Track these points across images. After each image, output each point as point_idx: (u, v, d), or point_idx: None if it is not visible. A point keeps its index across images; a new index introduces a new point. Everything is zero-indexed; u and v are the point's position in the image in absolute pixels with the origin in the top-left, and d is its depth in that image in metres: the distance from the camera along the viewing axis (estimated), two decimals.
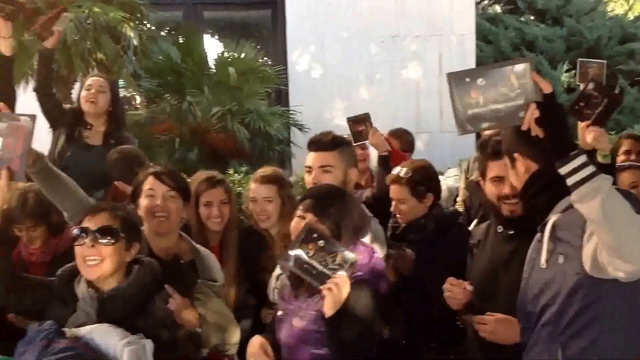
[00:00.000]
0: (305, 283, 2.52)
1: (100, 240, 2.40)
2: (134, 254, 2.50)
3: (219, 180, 3.50)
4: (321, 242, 2.39)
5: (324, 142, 3.03)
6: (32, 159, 2.58)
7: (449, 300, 2.74)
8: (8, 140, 2.42)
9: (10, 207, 3.12)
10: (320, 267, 2.38)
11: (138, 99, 8.44)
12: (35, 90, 4.37)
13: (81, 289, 2.45)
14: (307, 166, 3.07)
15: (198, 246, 3.09)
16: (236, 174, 5.70)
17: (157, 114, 6.97)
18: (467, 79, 2.09)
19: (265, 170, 3.59)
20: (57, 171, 2.84)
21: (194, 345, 2.70)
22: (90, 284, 2.45)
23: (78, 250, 2.43)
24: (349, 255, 2.40)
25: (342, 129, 4.27)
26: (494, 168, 2.65)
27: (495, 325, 2.53)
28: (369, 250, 2.62)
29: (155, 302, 2.52)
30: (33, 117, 2.47)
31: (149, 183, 2.95)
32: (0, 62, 4.17)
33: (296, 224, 2.56)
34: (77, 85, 6.13)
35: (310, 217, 2.54)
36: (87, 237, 2.41)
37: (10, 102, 4.36)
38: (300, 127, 7.52)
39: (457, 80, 2.11)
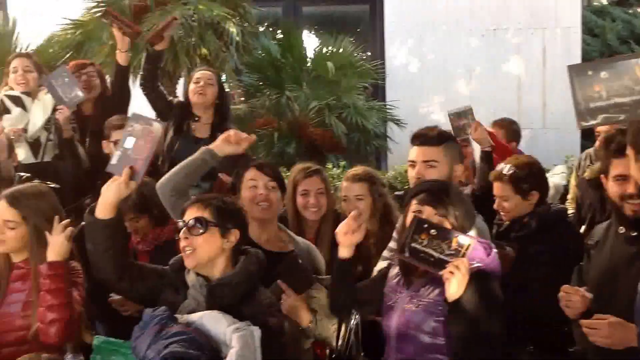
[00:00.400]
0: (418, 272, 2.52)
1: (191, 231, 2.49)
2: (234, 240, 2.54)
3: (316, 170, 3.53)
4: (433, 231, 2.39)
5: (429, 137, 2.97)
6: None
7: (566, 309, 2.63)
8: (139, 142, 2.54)
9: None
10: (437, 255, 2.37)
11: (238, 94, 8.64)
12: (141, 85, 4.53)
13: (191, 277, 2.54)
14: (411, 160, 3.02)
15: (297, 237, 3.16)
16: (334, 168, 5.75)
17: (256, 109, 7.10)
18: (590, 72, 2.03)
19: (356, 169, 3.64)
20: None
21: (301, 336, 2.75)
22: (199, 272, 2.53)
23: (179, 241, 2.53)
24: (464, 239, 2.38)
25: (440, 124, 4.18)
26: (618, 166, 2.54)
27: (609, 330, 2.40)
28: (486, 244, 2.56)
29: (261, 290, 2.57)
30: (163, 125, 2.61)
31: (251, 174, 3.07)
32: (118, 71, 4.60)
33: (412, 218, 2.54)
34: (181, 81, 6.34)
35: (428, 210, 2.51)
36: (183, 228, 2.52)
37: (126, 104, 4.67)
38: (398, 122, 7.48)
39: (579, 72, 2.04)
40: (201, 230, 2.48)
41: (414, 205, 2.57)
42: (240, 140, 3.02)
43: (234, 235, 2.54)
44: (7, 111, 4.37)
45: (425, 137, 2.99)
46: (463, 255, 2.34)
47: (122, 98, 4.68)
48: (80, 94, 4.23)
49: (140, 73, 4.59)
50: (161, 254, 3.35)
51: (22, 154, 4.34)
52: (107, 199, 2.52)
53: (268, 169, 3.10)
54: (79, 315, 2.77)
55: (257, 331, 2.32)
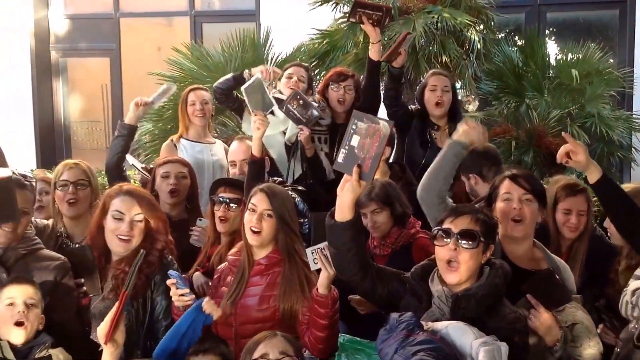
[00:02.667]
0: None
1: (461, 243, 2.46)
2: (489, 256, 2.53)
3: (582, 189, 3.43)
4: None
5: None
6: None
7: None
8: (365, 140, 2.51)
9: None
10: None
11: (472, 104, 8.57)
12: (385, 102, 4.63)
13: (435, 287, 2.53)
14: None
15: (553, 255, 3.01)
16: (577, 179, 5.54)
17: (493, 117, 7.00)
18: None
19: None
20: None
21: (547, 355, 2.64)
22: (444, 282, 2.52)
23: (439, 251, 2.51)
24: None
25: None
26: None
27: None
28: None
29: (506, 304, 2.52)
30: (390, 123, 2.55)
31: (505, 186, 2.93)
32: (370, 68, 4.60)
33: None
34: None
35: None
36: (450, 239, 2.48)
37: (377, 102, 4.67)
38: None
39: None
40: (471, 245, 2.46)
41: None
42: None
43: (490, 250, 2.53)
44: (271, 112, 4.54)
45: None
46: None
47: (373, 98, 4.65)
48: (315, 112, 4.21)
49: (383, 92, 4.66)
50: (397, 259, 3.45)
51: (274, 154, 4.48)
52: (344, 201, 2.52)
53: (523, 180, 2.93)
54: None
55: (504, 347, 2.28)
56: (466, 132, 3.05)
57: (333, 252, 2.66)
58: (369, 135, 2.50)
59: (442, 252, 2.50)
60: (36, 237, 3.16)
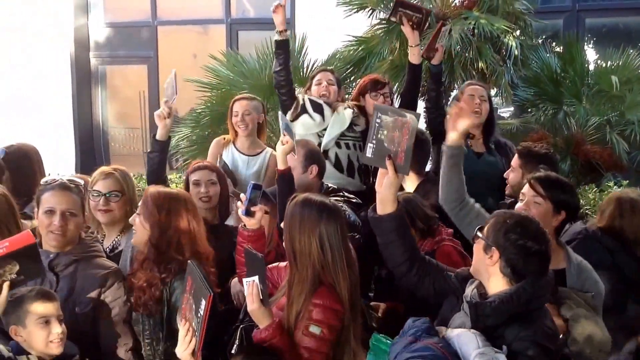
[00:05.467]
0: None
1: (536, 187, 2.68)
2: (561, 219, 2.68)
3: None
4: None
5: None
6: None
7: None
8: (394, 134, 2.52)
9: None
10: None
11: (507, 111, 8.49)
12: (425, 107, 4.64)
13: (469, 290, 2.54)
14: None
15: (576, 256, 3.05)
16: (615, 187, 5.46)
17: (530, 123, 6.93)
18: None
19: None
20: None
21: None
22: (480, 288, 2.52)
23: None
24: None
25: None
26: None
27: None
28: None
29: (538, 317, 2.46)
30: (417, 115, 2.56)
31: (525, 188, 3.08)
32: (410, 71, 4.62)
33: None
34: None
35: None
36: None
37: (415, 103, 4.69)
38: None
39: None
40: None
41: None
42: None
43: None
44: (305, 110, 4.59)
45: None
46: None
47: (410, 101, 4.68)
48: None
49: (425, 95, 4.68)
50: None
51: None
52: (385, 195, 2.58)
53: (539, 184, 3.08)
54: None
55: (502, 357, 2.25)
56: (452, 128, 3.05)
57: (380, 243, 2.68)
58: (397, 128, 2.52)
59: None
60: (96, 244, 3.18)
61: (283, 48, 4.72)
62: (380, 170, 2.57)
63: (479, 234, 2.52)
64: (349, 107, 4.64)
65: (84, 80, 10.67)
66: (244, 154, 4.74)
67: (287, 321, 2.72)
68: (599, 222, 3.62)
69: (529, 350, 2.33)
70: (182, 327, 2.45)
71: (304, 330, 2.68)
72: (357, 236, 3.59)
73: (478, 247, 2.52)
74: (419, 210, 3.60)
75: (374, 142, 2.54)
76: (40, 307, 2.75)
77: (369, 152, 2.56)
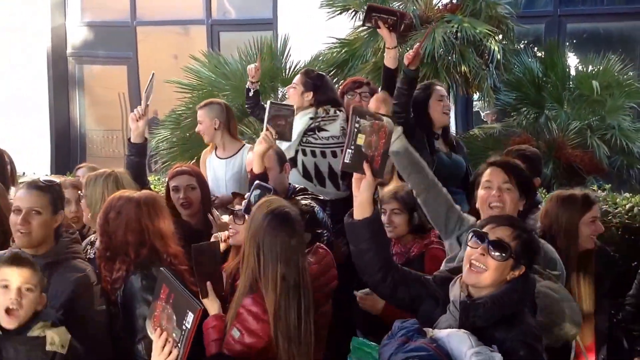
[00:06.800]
0: None
1: (490, 252, 2.41)
2: (517, 275, 2.46)
3: None
4: None
5: None
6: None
7: None
8: (372, 138, 2.50)
9: None
10: None
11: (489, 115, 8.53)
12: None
13: (454, 292, 2.49)
14: None
15: (542, 242, 3.00)
16: (599, 191, 5.48)
17: (512, 127, 6.95)
18: None
19: None
20: None
21: None
22: (464, 288, 2.48)
23: (469, 251, 2.47)
24: None
25: None
26: None
27: None
28: None
29: (524, 318, 2.44)
30: (394, 118, 2.59)
31: (487, 174, 3.02)
32: (386, 76, 4.54)
33: None
34: None
35: None
36: (482, 244, 2.44)
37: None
38: None
39: None
40: (500, 257, 2.41)
41: None
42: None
43: (521, 271, 2.47)
44: None
45: None
46: None
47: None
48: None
49: (395, 96, 4.62)
50: (409, 267, 3.42)
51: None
52: (363, 199, 2.53)
53: (505, 168, 3.05)
54: None
55: (498, 357, 2.23)
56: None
57: (353, 251, 2.63)
58: (374, 132, 2.50)
59: (471, 253, 2.46)
60: (74, 246, 3.10)
61: (255, 98, 5.04)
62: (356, 175, 2.54)
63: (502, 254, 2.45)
64: (310, 113, 4.52)
65: (61, 81, 10.54)
66: (220, 158, 4.69)
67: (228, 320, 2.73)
68: None
69: (520, 351, 2.32)
70: (157, 336, 2.39)
71: (228, 332, 2.68)
72: (326, 233, 3.59)
73: (502, 265, 2.44)
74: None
75: (352, 147, 2.51)
76: (6, 271, 2.63)
77: (347, 159, 2.53)
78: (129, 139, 3.99)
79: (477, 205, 3.03)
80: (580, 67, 7.40)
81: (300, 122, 4.41)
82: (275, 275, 2.63)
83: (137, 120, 3.89)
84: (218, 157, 4.71)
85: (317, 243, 3.24)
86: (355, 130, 2.50)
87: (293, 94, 4.61)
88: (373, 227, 2.57)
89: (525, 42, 7.60)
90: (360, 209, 2.55)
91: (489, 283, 2.43)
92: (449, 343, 2.30)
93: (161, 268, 2.50)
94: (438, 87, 4.53)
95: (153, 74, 4.02)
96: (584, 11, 8.62)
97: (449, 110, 4.48)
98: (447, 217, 3.07)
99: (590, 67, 7.14)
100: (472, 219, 3.15)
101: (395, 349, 2.31)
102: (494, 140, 6.68)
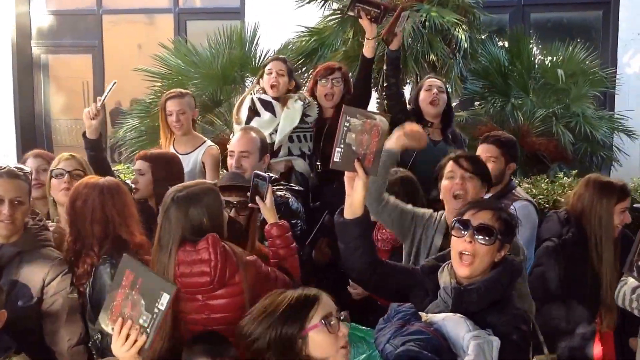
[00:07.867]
0: None
1: (477, 237, 2.45)
2: (503, 255, 2.52)
3: None
4: None
5: None
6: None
7: None
8: (363, 137, 2.49)
9: None
10: None
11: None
12: (386, 87, 4.71)
13: (444, 278, 2.54)
14: None
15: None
16: (565, 178, 5.61)
17: (478, 116, 7.03)
18: None
19: None
20: None
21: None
22: (452, 275, 2.52)
23: (455, 242, 2.51)
24: None
25: None
26: None
27: None
28: None
29: (513, 301, 2.51)
30: (388, 117, 2.54)
31: (449, 166, 3.12)
32: (363, 64, 4.60)
33: None
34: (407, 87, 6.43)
35: None
36: (467, 231, 2.47)
37: (367, 100, 4.71)
38: (629, 133, 7.05)
39: None
40: (487, 241, 2.45)
41: None
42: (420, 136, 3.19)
43: (506, 250, 2.52)
44: (257, 113, 4.53)
45: None
46: None
47: (364, 94, 4.68)
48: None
49: (385, 84, 4.69)
50: (398, 254, 3.48)
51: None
52: (357, 198, 2.53)
53: (466, 161, 3.15)
54: None
55: (496, 341, 2.29)
56: (400, 137, 3.13)
57: (342, 249, 2.65)
58: (365, 132, 2.49)
59: (457, 243, 2.50)
60: (44, 233, 3.10)
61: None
62: (347, 174, 2.54)
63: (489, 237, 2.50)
64: (299, 99, 4.59)
65: (26, 70, 10.37)
66: (180, 154, 4.55)
67: None
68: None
69: (513, 334, 2.38)
70: (119, 326, 2.27)
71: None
72: (300, 223, 3.62)
73: (490, 249, 2.49)
74: (423, 198, 3.70)
75: (341, 146, 2.50)
76: None
77: (336, 157, 2.51)
78: (83, 133, 4.03)
79: (441, 196, 3.12)
80: (545, 56, 7.50)
81: (293, 113, 4.53)
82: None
83: (91, 119, 3.95)
84: (177, 153, 4.57)
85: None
86: (345, 129, 2.49)
87: (283, 83, 4.60)
88: (364, 226, 2.60)
89: (489, 31, 7.67)
90: (352, 209, 2.56)
91: (481, 271, 2.48)
92: (445, 327, 2.33)
93: (124, 254, 2.44)
94: (431, 79, 4.70)
95: (114, 82, 4.08)
96: (547, 1, 8.72)
97: (438, 100, 4.57)
98: (400, 223, 3.26)
99: (554, 57, 7.25)
100: (427, 211, 3.27)
101: (393, 332, 2.33)
102: (460, 129, 6.74)
